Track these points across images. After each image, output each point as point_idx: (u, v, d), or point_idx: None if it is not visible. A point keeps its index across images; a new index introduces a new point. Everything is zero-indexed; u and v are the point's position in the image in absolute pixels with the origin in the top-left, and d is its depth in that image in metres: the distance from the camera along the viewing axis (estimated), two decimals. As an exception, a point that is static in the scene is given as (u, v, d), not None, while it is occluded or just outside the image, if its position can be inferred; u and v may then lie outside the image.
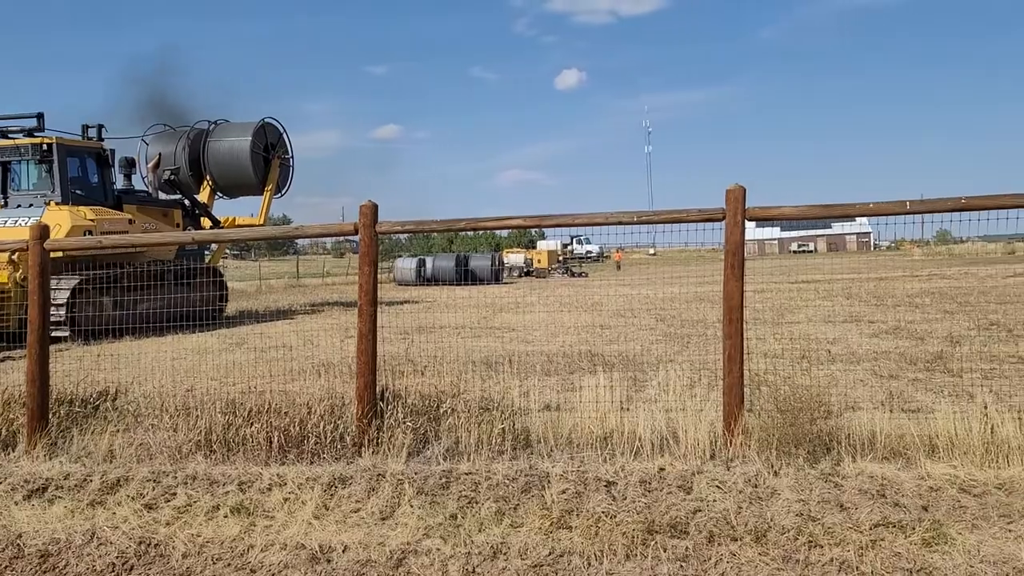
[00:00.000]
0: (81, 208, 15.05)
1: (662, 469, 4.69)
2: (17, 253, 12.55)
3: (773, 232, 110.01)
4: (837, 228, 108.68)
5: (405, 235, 58.61)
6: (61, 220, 14.21)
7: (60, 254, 13.00)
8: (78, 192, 15.58)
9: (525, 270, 45.06)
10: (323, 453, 5.22)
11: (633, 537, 3.76)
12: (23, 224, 13.93)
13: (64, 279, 13.86)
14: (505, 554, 3.67)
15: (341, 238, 65.98)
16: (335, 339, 11.74)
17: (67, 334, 13.56)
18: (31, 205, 15.21)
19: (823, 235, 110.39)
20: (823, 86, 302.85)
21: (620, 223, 5.29)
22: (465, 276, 33.10)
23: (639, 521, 3.92)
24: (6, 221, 14.56)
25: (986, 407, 4.91)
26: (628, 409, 5.51)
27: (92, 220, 14.73)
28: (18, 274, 13.52)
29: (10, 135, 15.59)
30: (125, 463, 5.17)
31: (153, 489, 4.65)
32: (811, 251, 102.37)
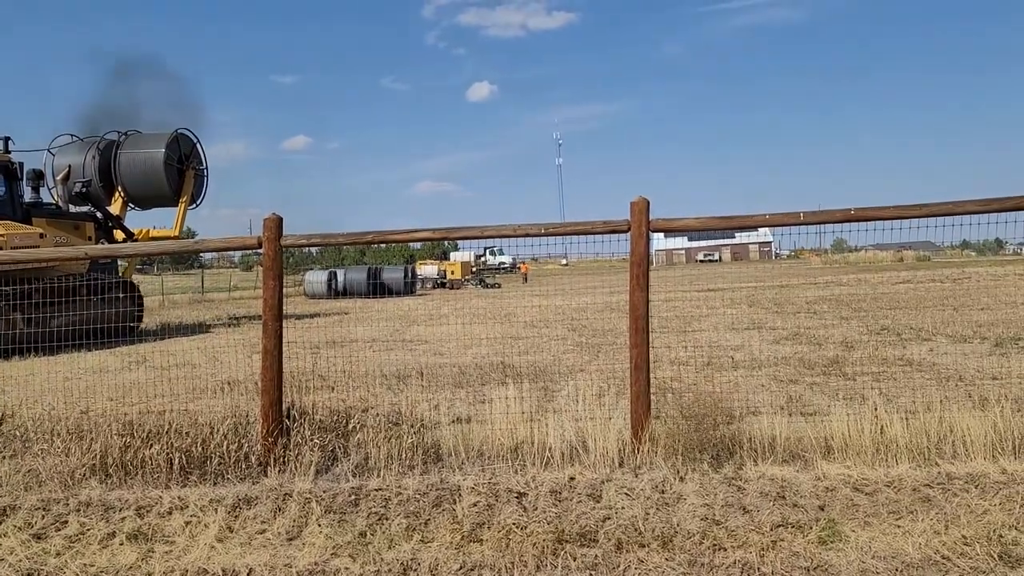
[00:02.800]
0: None
1: (572, 478, 4.75)
2: None
3: (680, 242, 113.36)
4: (741, 238, 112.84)
5: (315, 248, 57.55)
6: None
7: None
8: None
9: (439, 282, 44.93)
10: (227, 474, 5.06)
11: (543, 547, 3.78)
12: None
13: None
14: (415, 570, 3.63)
15: (249, 251, 64.10)
16: (241, 355, 11.40)
17: None
18: None
19: (728, 244, 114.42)
20: (726, 99, 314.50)
21: (528, 235, 5.34)
22: (378, 289, 32.75)
23: (549, 531, 3.95)
24: None
25: (876, 409, 5.17)
26: (539, 420, 5.55)
27: (2, 235, 14.14)
28: None
29: None
30: (12, 491, 4.88)
31: (43, 518, 4.41)
32: (716, 260, 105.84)
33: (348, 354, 11.10)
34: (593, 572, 3.58)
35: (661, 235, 5.26)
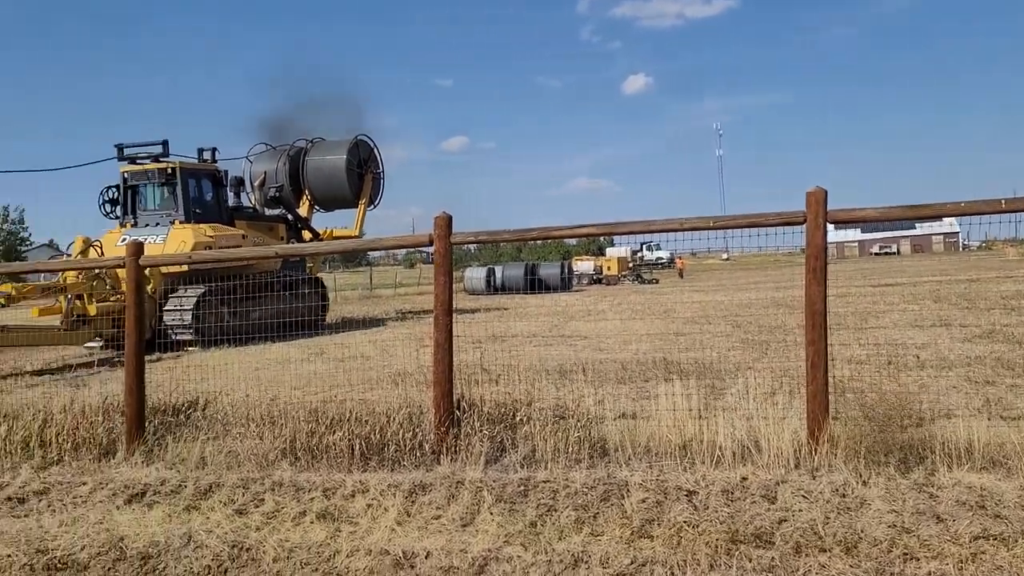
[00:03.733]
0: (202, 225, 16.22)
1: (744, 478, 4.60)
2: (149, 269, 13.41)
3: (853, 234, 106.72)
4: (922, 229, 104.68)
5: (473, 245, 59.11)
6: (185, 237, 15.51)
7: (186, 268, 14.67)
8: (197, 211, 16.76)
9: (594, 277, 44.82)
10: (403, 460, 5.31)
11: (716, 547, 3.70)
12: (152, 241, 15.36)
13: (190, 289, 15.19)
14: (586, 563, 3.66)
15: (411, 249, 66.93)
16: (410, 349, 11.91)
17: (190, 338, 14.74)
18: (158, 224, 16.46)
19: (907, 236, 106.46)
20: (901, 86, 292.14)
21: (696, 229, 5.23)
22: (534, 284, 33.17)
23: (722, 531, 3.86)
24: (137, 239, 15.56)
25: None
26: (706, 417, 5.43)
27: (211, 236, 15.88)
28: (150, 287, 14.74)
29: (138, 161, 16.82)
30: (216, 470, 5.37)
31: (243, 495, 4.81)
32: (893, 253, 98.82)
33: (509, 349, 11.34)
34: (770, 574, 3.46)
35: (831, 227, 4.98)
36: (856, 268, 46.80)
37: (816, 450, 4.71)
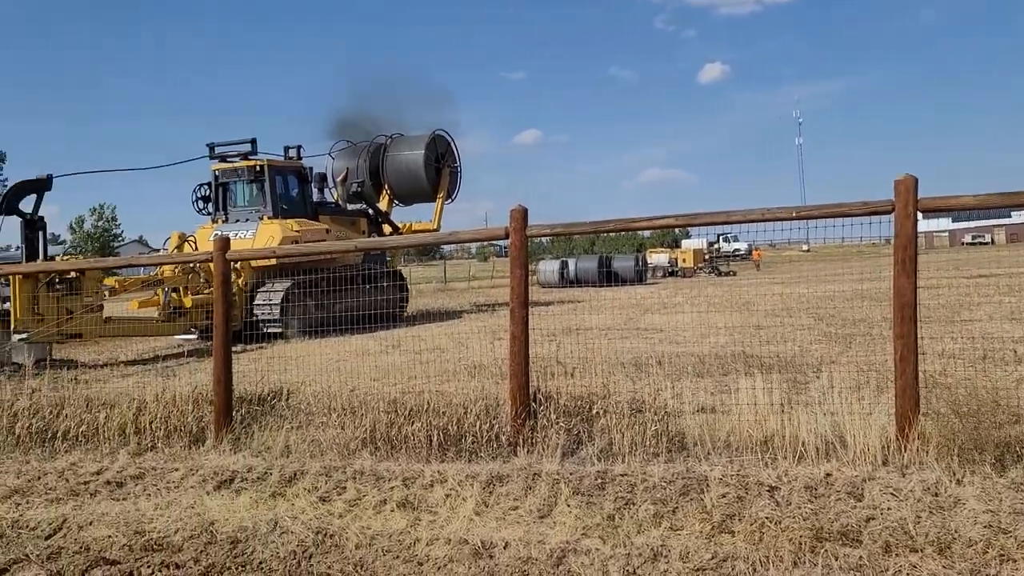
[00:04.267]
0: (288, 221, 16.82)
1: (829, 475, 4.49)
2: (240, 263, 14.88)
3: (943, 224, 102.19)
4: (1018, 217, 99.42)
5: (546, 238, 59.03)
6: (273, 232, 16.16)
7: (274, 262, 15.40)
8: (284, 207, 17.36)
9: (669, 270, 44.26)
10: (480, 452, 5.36)
11: (800, 544, 3.62)
12: (242, 236, 16.12)
13: (278, 283, 15.83)
14: (666, 556, 3.63)
15: (485, 242, 67.47)
16: (484, 341, 12.00)
17: (279, 330, 15.27)
18: (247, 220, 17.16)
19: (1002, 225, 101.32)
20: (993, 70, 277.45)
21: (778, 219, 5.10)
22: (608, 277, 32.95)
23: (806, 528, 3.76)
24: (228, 234, 16.17)
25: None
26: (788, 412, 5.30)
27: (297, 231, 16.48)
28: (240, 280, 15.53)
29: (228, 159, 17.57)
30: (300, 458, 5.53)
31: (325, 483, 4.95)
32: (987, 243, 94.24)
33: (584, 342, 11.28)
34: (858, 574, 3.36)
35: (919, 216, 4.77)
36: (947, 259, 44.86)
37: (906, 447, 4.55)
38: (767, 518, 3.91)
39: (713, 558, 3.58)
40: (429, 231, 20.81)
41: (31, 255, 14.15)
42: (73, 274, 12.98)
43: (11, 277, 12.15)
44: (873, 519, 3.84)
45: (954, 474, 4.24)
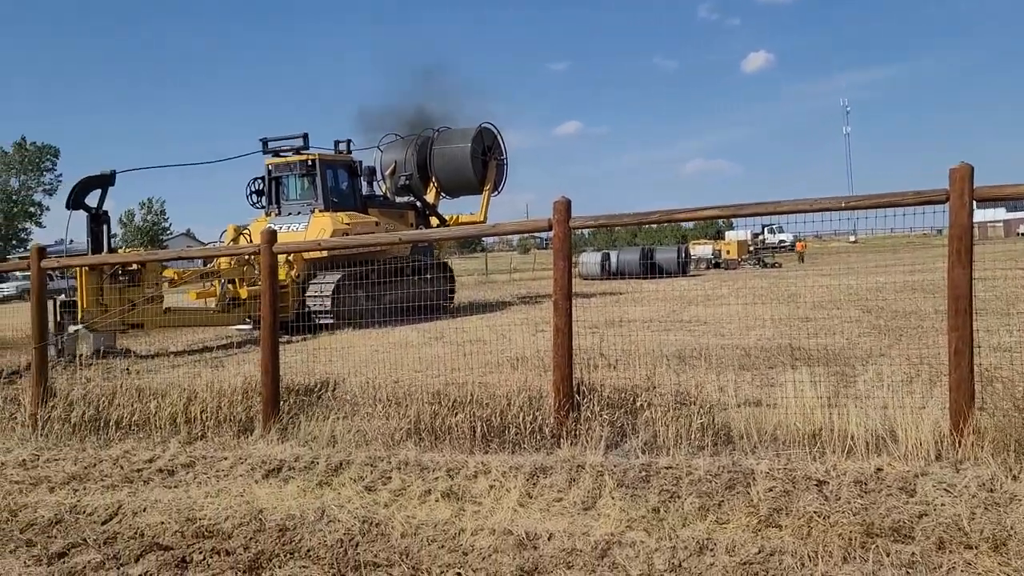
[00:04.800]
0: (339, 213, 17.17)
1: (879, 469, 4.40)
2: (292, 256, 15.55)
3: (997, 214, 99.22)
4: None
5: (588, 230, 58.79)
6: (324, 225, 16.53)
7: (326, 254, 15.82)
8: (335, 200, 17.75)
9: (713, 262, 43.74)
10: (523, 443, 5.37)
11: (850, 539, 3.56)
12: (295, 229, 16.62)
13: (329, 275, 16.20)
14: (712, 550, 3.60)
15: (527, 234, 67.53)
16: (526, 333, 12.01)
17: (332, 322, 15.59)
18: (299, 213, 17.58)
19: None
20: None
21: (826, 210, 5.00)
22: (650, 269, 32.68)
23: (856, 523, 3.70)
24: (282, 227, 17.00)
25: None
26: (837, 406, 5.21)
27: (348, 224, 16.81)
28: (293, 272, 16.14)
29: (281, 154, 17.99)
30: (345, 448, 5.60)
31: (371, 472, 5.00)
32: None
33: (626, 334, 11.22)
34: (910, 570, 3.30)
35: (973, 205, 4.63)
36: (1002, 249, 43.57)
37: (960, 442, 4.44)
38: (815, 512, 3.85)
39: (760, 552, 3.54)
40: (476, 223, 20.97)
41: (96, 248, 14.71)
42: (135, 266, 13.46)
43: (78, 269, 12.70)
44: (926, 515, 3.76)
45: (1010, 470, 4.13)
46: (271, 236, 6.49)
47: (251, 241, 16.32)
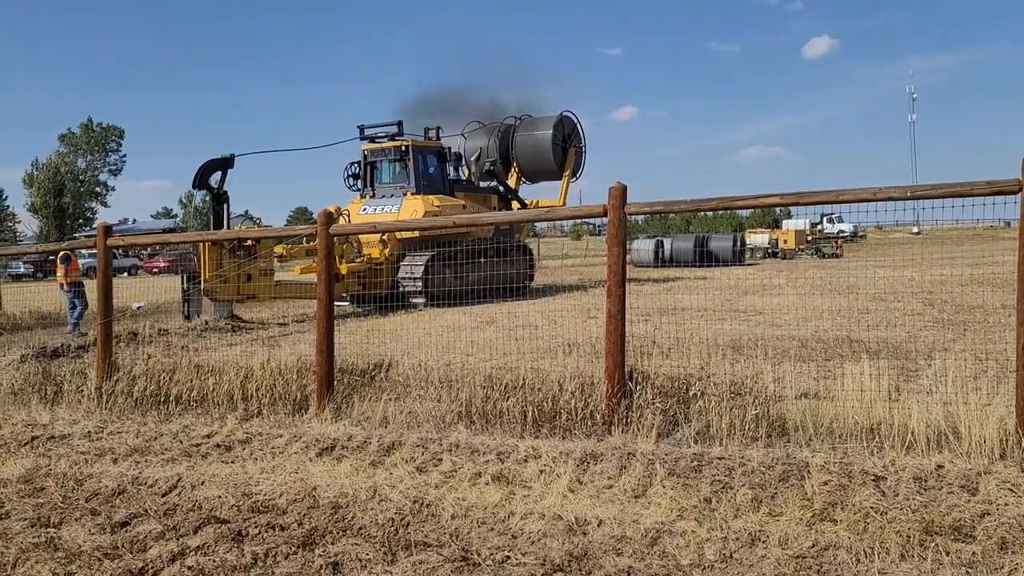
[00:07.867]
0: (430, 197, 17.89)
1: (940, 466, 4.28)
2: (387, 235, 16.70)
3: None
4: None
5: (642, 216, 58.19)
6: (416, 207, 17.36)
7: (417, 235, 16.99)
8: (425, 184, 18.43)
9: (769, 251, 42.91)
10: (574, 429, 5.37)
11: (908, 536, 3.47)
12: (388, 211, 17.59)
13: (419, 255, 17.05)
14: (764, 542, 3.55)
15: (580, 220, 67.17)
16: (578, 319, 11.98)
17: (423, 301, 16.49)
18: (392, 196, 18.38)
19: None
20: None
21: (891, 199, 4.86)
22: (705, 257, 32.22)
23: (915, 520, 3.61)
24: (376, 209, 18.06)
25: None
26: (897, 400, 5.09)
27: (438, 207, 17.53)
28: (386, 251, 17.26)
29: (377, 140, 18.83)
30: (397, 429, 5.67)
31: (422, 454, 5.06)
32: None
33: (680, 322, 11.11)
34: (970, 571, 3.21)
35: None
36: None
37: (1027, 441, 4.29)
38: (872, 508, 3.77)
39: (814, 546, 3.48)
40: (536, 208, 21.35)
41: (218, 224, 15.76)
42: (250, 242, 14.57)
43: (201, 244, 14.29)
44: (988, 514, 3.65)
45: (1081, 471, 3.98)
46: (327, 218, 6.57)
47: (349, 221, 16.97)
